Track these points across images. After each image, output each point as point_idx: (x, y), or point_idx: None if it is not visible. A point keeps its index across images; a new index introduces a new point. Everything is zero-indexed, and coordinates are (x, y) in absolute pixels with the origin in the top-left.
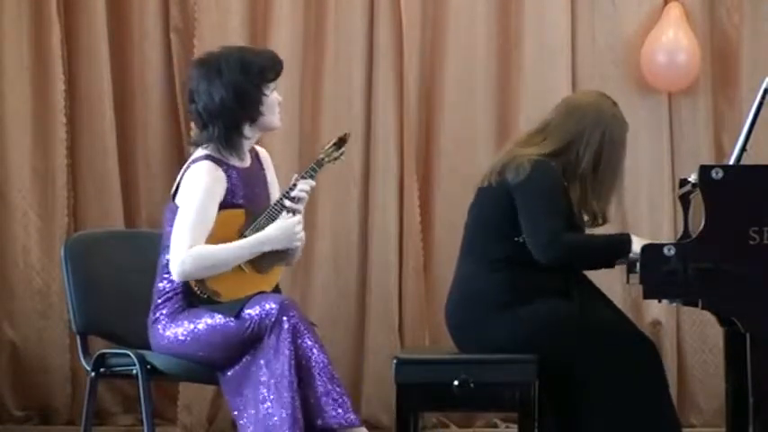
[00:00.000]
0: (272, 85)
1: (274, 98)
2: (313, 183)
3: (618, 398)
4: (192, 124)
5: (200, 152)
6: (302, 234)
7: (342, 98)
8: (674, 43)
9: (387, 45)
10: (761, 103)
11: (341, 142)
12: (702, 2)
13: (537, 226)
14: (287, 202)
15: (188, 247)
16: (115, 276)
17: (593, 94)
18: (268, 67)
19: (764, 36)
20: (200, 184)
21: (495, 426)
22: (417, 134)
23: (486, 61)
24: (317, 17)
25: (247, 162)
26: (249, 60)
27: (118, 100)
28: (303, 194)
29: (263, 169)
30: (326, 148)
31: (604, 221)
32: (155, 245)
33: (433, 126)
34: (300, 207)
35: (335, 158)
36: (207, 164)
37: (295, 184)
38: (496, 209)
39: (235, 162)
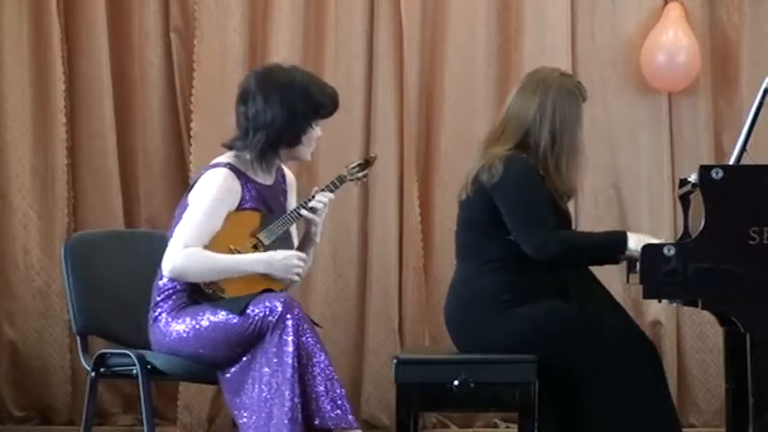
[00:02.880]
0: (321, 121)
1: (316, 133)
2: (332, 196)
3: (618, 398)
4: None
5: (224, 158)
6: (300, 270)
7: (342, 98)
8: (674, 43)
9: (387, 45)
10: (761, 103)
11: (366, 164)
12: (702, 2)
13: (526, 225)
14: (303, 212)
15: (184, 246)
16: (115, 276)
17: (540, 74)
18: (326, 105)
19: (764, 36)
20: (213, 189)
21: (495, 426)
22: (417, 134)
23: (486, 61)
24: (317, 17)
25: (270, 181)
26: (313, 91)
27: (118, 100)
28: (320, 205)
29: (286, 191)
30: (351, 166)
31: (569, 197)
32: (155, 245)
33: (433, 126)
34: (317, 218)
35: (358, 179)
36: (226, 172)
37: (314, 196)
38: (482, 213)
39: (257, 178)
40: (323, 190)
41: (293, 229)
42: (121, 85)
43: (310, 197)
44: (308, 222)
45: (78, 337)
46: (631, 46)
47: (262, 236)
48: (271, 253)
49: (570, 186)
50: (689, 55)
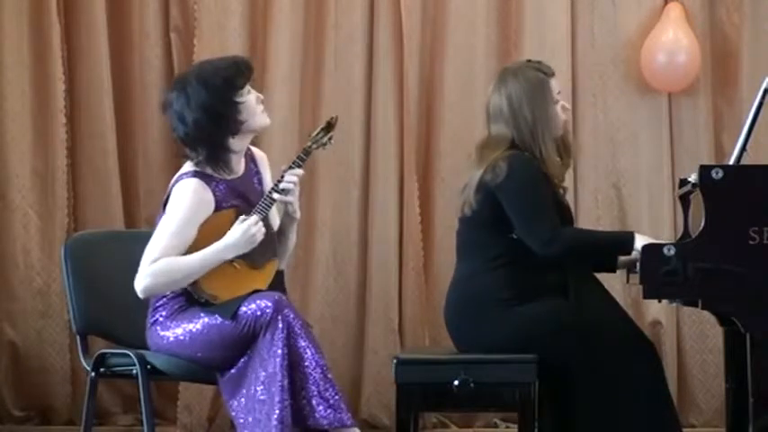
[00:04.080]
0: (244, 89)
1: (252, 99)
2: (301, 172)
3: (617, 398)
4: None
5: (188, 167)
6: (261, 233)
7: (342, 98)
8: (674, 43)
9: (387, 45)
10: (761, 103)
11: (329, 127)
12: (702, 2)
13: (532, 224)
14: (276, 195)
15: (151, 262)
16: (115, 276)
17: (500, 73)
18: (233, 75)
19: (764, 36)
20: (185, 203)
21: (495, 426)
22: (417, 134)
23: (486, 61)
24: (317, 17)
25: (240, 170)
26: (209, 75)
27: (118, 100)
28: (291, 185)
29: (259, 172)
30: (314, 134)
31: (562, 180)
32: None
33: (433, 126)
34: (290, 198)
35: (323, 144)
36: (195, 182)
37: (283, 176)
38: (487, 212)
39: (225, 175)
40: (290, 167)
41: (273, 210)
42: (121, 85)
43: (280, 177)
44: (284, 202)
45: (78, 337)
46: (631, 46)
47: None
48: (226, 237)
49: (559, 170)
50: (689, 55)
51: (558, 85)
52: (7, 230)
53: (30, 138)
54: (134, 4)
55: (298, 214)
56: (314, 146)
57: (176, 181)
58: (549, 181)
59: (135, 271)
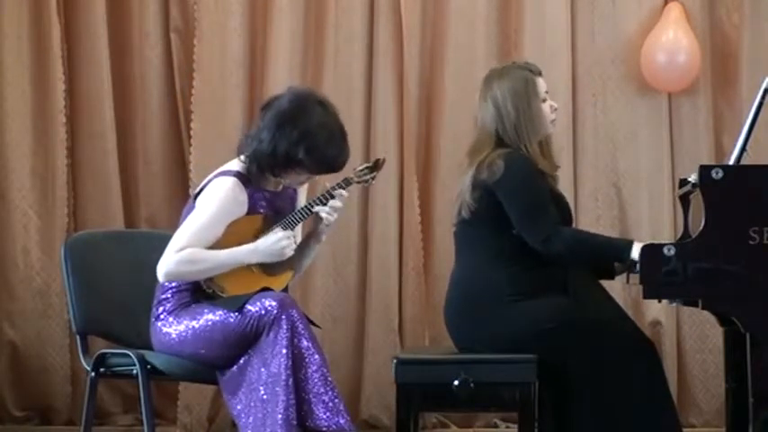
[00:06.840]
0: (313, 176)
1: (302, 179)
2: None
3: (617, 398)
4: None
5: (233, 165)
6: (291, 249)
7: (342, 98)
8: (674, 43)
9: (387, 45)
10: (761, 103)
11: (375, 166)
12: (702, 2)
13: (532, 221)
14: (317, 208)
15: (177, 250)
16: (115, 276)
17: (486, 77)
18: (314, 166)
19: (764, 36)
20: (219, 199)
21: (495, 426)
22: (417, 134)
23: (486, 61)
24: (317, 17)
25: (279, 187)
26: (318, 146)
27: (118, 100)
28: (339, 204)
29: (296, 190)
30: (359, 169)
31: (555, 172)
32: (155, 245)
33: (433, 126)
34: (331, 218)
35: (365, 182)
36: (234, 182)
37: (325, 194)
38: (487, 209)
39: (267, 185)
40: (333, 189)
41: (298, 227)
42: (121, 85)
43: (324, 193)
44: (317, 221)
45: (78, 337)
46: (631, 46)
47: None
48: (257, 242)
49: (547, 167)
50: (689, 55)
51: (546, 85)
52: (7, 230)
53: (30, 138)
54: (134, 4)
55: (324, 237)
56: (355, 179)
57: (215, 176)
58: (544, 177)
59: (135, 271)
